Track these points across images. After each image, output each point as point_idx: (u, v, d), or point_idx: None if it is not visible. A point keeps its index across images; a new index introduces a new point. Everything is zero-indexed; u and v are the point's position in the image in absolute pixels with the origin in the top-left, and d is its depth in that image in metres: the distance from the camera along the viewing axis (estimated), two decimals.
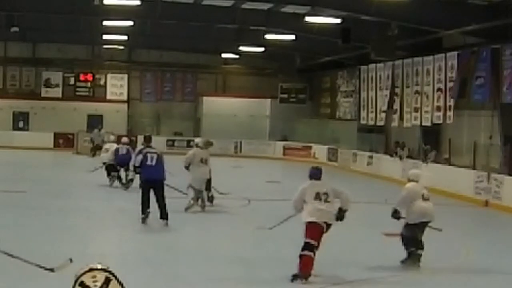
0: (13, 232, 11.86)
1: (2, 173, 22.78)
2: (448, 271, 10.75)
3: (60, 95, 36.16)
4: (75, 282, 2.57)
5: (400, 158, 24.78)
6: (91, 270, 2.59)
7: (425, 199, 10.87)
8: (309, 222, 9.40)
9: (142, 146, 14.34)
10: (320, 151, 32.41)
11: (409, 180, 11.33)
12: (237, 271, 10.34)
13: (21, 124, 36.07)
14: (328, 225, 9.53)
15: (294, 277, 9.38)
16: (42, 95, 36.01)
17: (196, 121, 37.66)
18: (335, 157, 30.90)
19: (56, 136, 34.92)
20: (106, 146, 20.47)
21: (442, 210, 18.60)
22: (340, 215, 9.70)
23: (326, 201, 9.49)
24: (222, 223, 14.71)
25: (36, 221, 13.51)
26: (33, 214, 14.42)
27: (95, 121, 34.75)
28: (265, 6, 23.62)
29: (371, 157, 27.49)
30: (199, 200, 15.60)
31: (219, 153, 33.77)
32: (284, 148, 35.16)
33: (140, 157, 13.77)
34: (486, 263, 11.49)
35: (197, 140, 17.04)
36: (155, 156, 13.62)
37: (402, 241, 10.78)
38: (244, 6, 23.91)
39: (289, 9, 23.29)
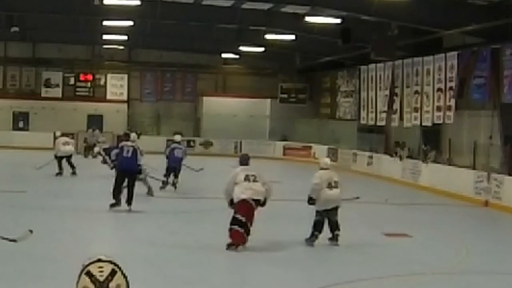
0: (13, 232, 11.85)
1: (2, 173, 22.80)
2: (448, 271, 10.75)
3: (60, 95, 36.12)
4: (82, 270, 2.62)
5: (400, 158, 24.78)
6: (99, 260, 2.65)
7: (332, 186, 11.83)
8: (239, 201, 10.93)
9: (122, 141, 16.39)
10: (320, 151, 32.38)
11: (321, 168, 12.20)
12: (237, 270, 10.35)
13: (21, 124, 36.02)
14: (257, 202, 11.01)
15: (228, 246, 10.97)
16: (42, 95, 35.96)
17: (196, 121, 37.65)
18: (335, 157, 30.84)
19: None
20: (62, 140, 22.34)
21: (442, 210, 18.70)
22: (263, 202, 11.21)
23: (254, 181, 11.06)
24: (223, 223, 14.67)
25: (36, 221, 13.51)
26: (33, 214, 14.42)
27: (95, 121, 34.74)
28: (265, 6, 23.59)
29: (371, 157, 27.49)
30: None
31: (219, 153, 33.90)
32: (284, 148, 35.14)
33: (116, 151, 15.79)
34: (486, 263, 11.49)
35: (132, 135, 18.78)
36: (131, 149, 15.22)
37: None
38: (244, 6, 23.88)
39: (289, 9, 23.27)
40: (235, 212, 11.07)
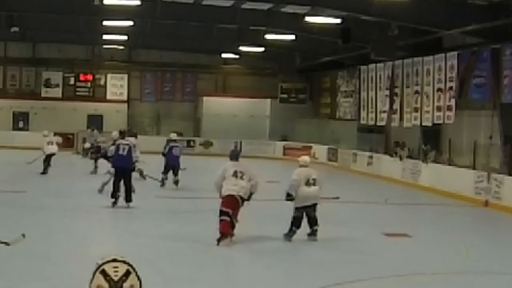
0: (13, 232, 11.85)
1: (2, 173, 22.80)
2: (448, 271, 10.75)
3: (60, 95, 36.11)
4: (97, 269, 2.62)
5: (400, 158, 24.77)
6: (114, 260, 2.65)
7: (309, 184, 12.14)
8: (226, 196, 11.35)
9: (117, 138, 16.62)
10: (320, 151, 32.40)
11: (300, 166, 12.57)
12: (237, 270, 10.35)
13: (21, 124, 36.01)
14: (242, 200, 11.45)
15: (218, 240, 11.22)
16: (42, 95, 35.96)
17: (196, 121, 37.65)
18: (335, 157, 30.89)
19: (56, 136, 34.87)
20: (47, 140, 23.14)
21: (442, 210, 18.70)
22: (248, 196, 11.60)
23: (241, 178, 11.47)
24: None
25: (36, 221, 13.52)
26: (33, 214, 14.42)
27: (95, 121, 34.70)
28: (265, 6, 23.59)
29: (371, 157, 27.49)
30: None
31: (219, 153, 33.83)
32: (284, 148, 35.13)
33: (113, 148, 16.02)
34: (486, 263, 11.49)
35: (114, 133, 18.76)
36: (126, 147, 15.62)
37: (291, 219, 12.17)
38: (244, 6, 23.88)
39: (289, 9, 23.26)
40: (222, 205, 11.44)
